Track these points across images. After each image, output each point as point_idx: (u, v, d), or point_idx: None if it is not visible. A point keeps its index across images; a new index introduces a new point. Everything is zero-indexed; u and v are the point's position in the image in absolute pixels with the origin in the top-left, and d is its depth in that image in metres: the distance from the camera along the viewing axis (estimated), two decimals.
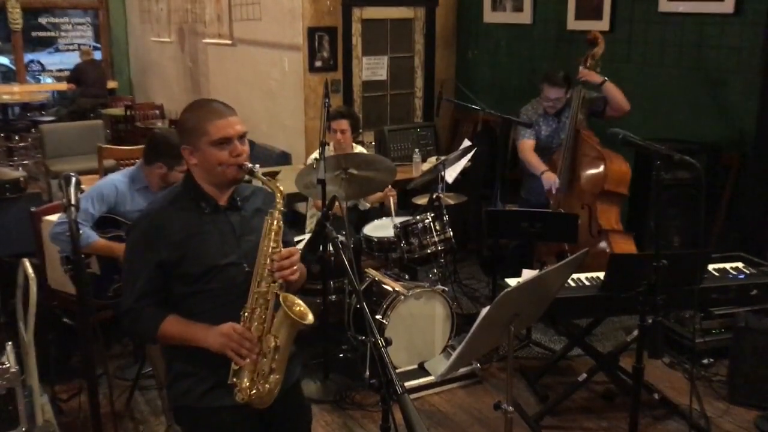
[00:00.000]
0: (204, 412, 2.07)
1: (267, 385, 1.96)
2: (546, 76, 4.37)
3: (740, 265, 3.42)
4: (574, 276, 3.31)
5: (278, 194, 1.99)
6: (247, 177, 2.07)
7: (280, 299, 1.94)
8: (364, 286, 3.98)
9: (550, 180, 4.25)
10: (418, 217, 4.04)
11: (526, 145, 4.45)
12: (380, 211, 4.67)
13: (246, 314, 1.96)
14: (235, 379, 1.95)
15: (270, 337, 1.94)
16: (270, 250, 1.96)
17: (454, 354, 2.27)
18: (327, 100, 3.66)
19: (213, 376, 2.01)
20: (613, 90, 4.26)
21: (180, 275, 2.01)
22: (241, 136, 2.03)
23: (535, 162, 4.41)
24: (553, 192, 4.24)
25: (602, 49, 4.25)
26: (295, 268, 1.98)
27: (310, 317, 1.98)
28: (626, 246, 4.09)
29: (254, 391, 1.94)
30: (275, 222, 1.97)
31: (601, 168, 4.14)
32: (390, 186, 4.36)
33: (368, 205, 4.75)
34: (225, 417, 2.05)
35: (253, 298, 1.96)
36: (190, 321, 2.02)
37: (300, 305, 1.99)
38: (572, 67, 4.47)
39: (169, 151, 3.32)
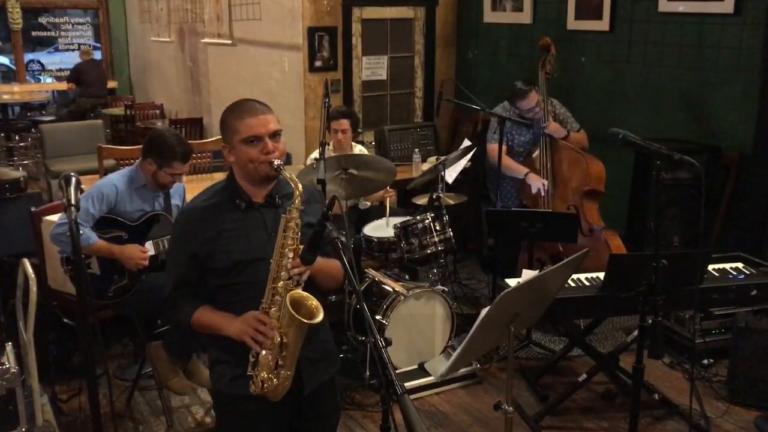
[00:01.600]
0: (232, 399, 2.13)
1: (275, 380, 1.99)
2: (515, 94, 4.31)
3: (740, 265, 3.42)
4: (574, 276, 3.31)
5: (297, 192, 2.02)
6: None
7: (288, 298, 1.96)
8: (364, 287, 3.98)
9: (538, 181, 4.26)
10: (418, 217, 4.04)
11: (497, 149, 4.42)
12: (380, 210, 4.67)
13: (263, 309, 2.02)
14: (253, 371, 2.01)
15: (276, 333, 1.97)
16: (286, 249, 1.99)
17: (454, 354, 2.27)
18: (327, 100, 3.66)
19: (242, 364, 2.05)
20: (575, 140, 4.36)
21: (210, 269, 2.09)
22: (274, 134, 2.07)
23: (513, 166, 4.41)
24: (542, 194, 4.25)
25: (554, 53, 4.35)
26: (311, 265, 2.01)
27: (319, 316, 1.99)
28: (616, 241, 4.13)
29: (267, 384, 1.99)
30: (292, 220, 2.01)
31: (585, 168, 4.18)
32: (388, 187, 4.37)
33: (368, 204, 4.75)
34: (251, 406, 2.10)
35: (268, 295, 2.01)
36: (217, 312, 2.11)
37: (311, 301, 2.02)
38: (571, 68, 4.48)
39: (161, 150, 3.32)
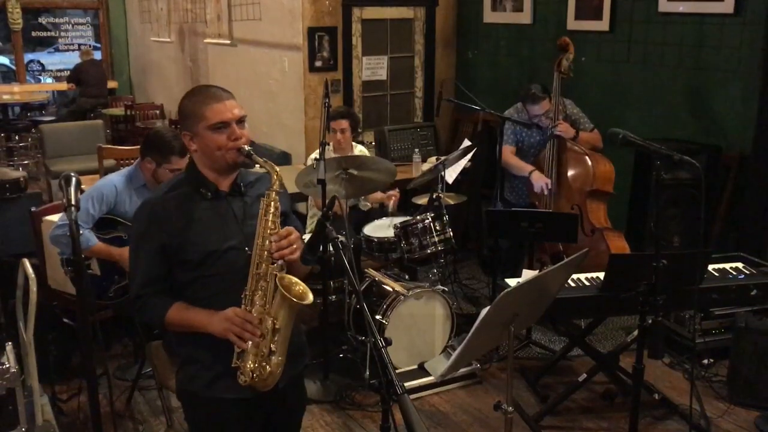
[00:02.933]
0: (209, 401, 2.07)
1: (268, 367, 1.95)
2: (527, 97, 4.31)
3: (740, 265, 3.42)
4: (574, 276, 3.31)
5: (274, 175, 1.98)
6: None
7: (277, 280, 1.93)
8: (364, 287, 3.98)
9: (541, 180, 4.26)
10: (418, 217, 4.04)
11: (507, 150, 4.45)
12: (381, 211, 4.67)
13: (246, 296, 1.97)
14: (238, 362, 1.95)
15: (268, 319, 1.94)
16: (267, 232, 1.96)
17: (454, 354, 2.26)
18: (327, 100, 3.66)
19: (219, 364, 2.00)
20: (586, 140, 4.33)
21: (180, 262, 2.01)
22: (240, 120, 2.02)
23: (518, 164, 4.42)
24: (545, 192, 4.25)
25: (573, 53, 4.29)
26: (294, 247, 1.96)
27: (310, 297, 1.96)
28: (619, 242, 4.11)
29: (256, 373, 1.94)
30: (271, 203, 1.97)
31: (589, 167, 4.17)
32: (396, 189, 4.37)
33: (369, 205, 4.75)
34: (229, 408, 2.06)
35: (252, 281, 1.96)
36: (193, 307, 2.02)
37: (299, 285, 1.98)
38: (571, 68, 4.47)
39: (160, 148, 3.32)
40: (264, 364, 1.95)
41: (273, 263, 1.95)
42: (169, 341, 3.35)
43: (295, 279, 1.99)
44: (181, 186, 2.07)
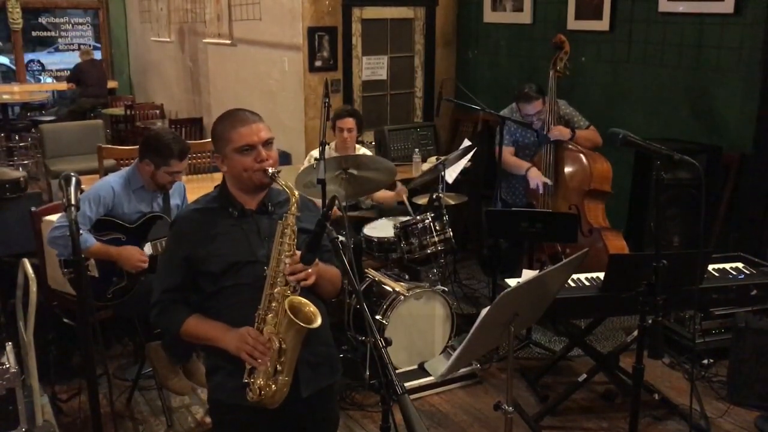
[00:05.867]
0: (233, 409, 2.11)
1: (274, 386, 1.98)
2: (520, 96, 4.31)
3: (740, 265, 3.42)
4: (574, 276, 3.31)
5: (293, 198, 2.03)
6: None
7: (286, 303, 1.96)
8: (364, 287, 3.98)
9: (538, 178, 4.25)
10: (418, 217, 4.04)
11: (505, 152, 4.45)
12: (385, 210, 4.66)
13: (259, 316, 2.01)
14: (249, 378, 1.99)
15: (276, 339, 1.97)
16: (283, 255, 2.00)
17: (454, 354, 2.27)
18: (327, 100, 3.66)
19: (242, 372, 2.03)
20: (584, 138, 4.32)
21: (204, 273, 2.09)
22: (266, 143, 2.09)
23: (516, 162, 4.42)
24: (540, 191, 4.24)
25: (568, 51, 4.29)
26: (309, 271, 2.01)
27: (317, 322, 1.99)
28: (618, 242, 4.11)
29: (264, 391, 1.97)
30: (288, 226, 2.01)
31: (586, 167, 4.17)
32: (401, 184, 4.37)
33: (370, 203, 4.75)
34: (251, 416, 2.08)
35: (265, 301, 2.01)
36: (210, 321, 2.09)
37: (309, 307, 2.02)
38: (571, 68, 4.47)
39: (159, 150, 3.31)
40: (270, 382, 1.98)
41: (285, 284, 2.00)
42: (168, 342, 3.36)
43: (304, 301, 2.03)
44: (211, 203, 2.17)
